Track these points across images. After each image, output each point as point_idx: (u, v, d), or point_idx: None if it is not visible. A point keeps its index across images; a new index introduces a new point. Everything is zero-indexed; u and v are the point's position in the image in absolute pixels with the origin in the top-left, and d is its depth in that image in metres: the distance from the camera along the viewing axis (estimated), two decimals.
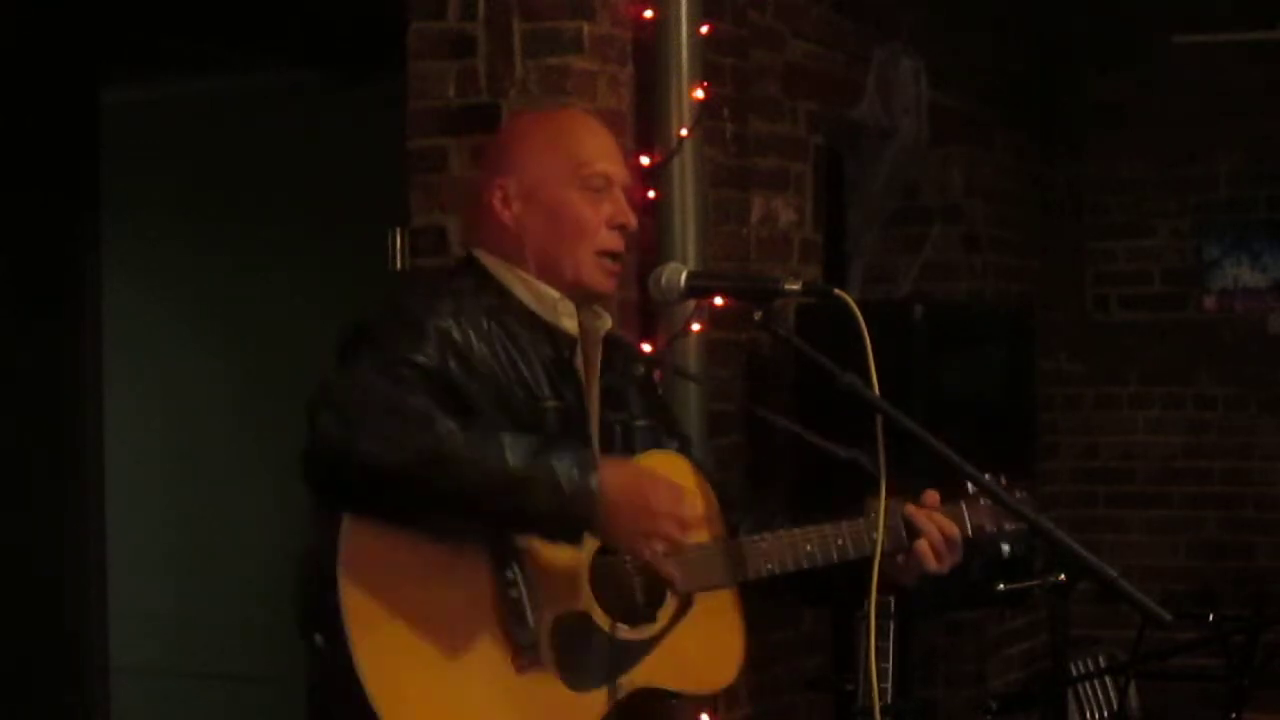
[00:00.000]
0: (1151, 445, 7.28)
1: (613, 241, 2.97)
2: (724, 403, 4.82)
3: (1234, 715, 5.08)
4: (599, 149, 2.99)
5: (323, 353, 2.93)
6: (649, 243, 4.44)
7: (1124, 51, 7.20)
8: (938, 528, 3.04)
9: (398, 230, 4.46)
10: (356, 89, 6.64)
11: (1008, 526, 3.17)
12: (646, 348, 4.45)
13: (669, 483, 2.78)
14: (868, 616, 2.95)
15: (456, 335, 2.79)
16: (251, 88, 7.09)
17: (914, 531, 3.04)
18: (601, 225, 2.96)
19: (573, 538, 2.74)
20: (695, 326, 4.51)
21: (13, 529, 5.82)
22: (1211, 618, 5.24)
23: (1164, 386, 7.28)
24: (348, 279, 6.33)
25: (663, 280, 3.05)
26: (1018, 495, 3.07)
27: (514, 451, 2.64)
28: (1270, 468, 7.12)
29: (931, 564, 3.03)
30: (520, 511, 2.67)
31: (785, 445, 4.86)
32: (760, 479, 4.90)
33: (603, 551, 2.83)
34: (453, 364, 2.76)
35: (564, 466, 2.65)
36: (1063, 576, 4.37)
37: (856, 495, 3.08)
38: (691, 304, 4.32)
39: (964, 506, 3.12)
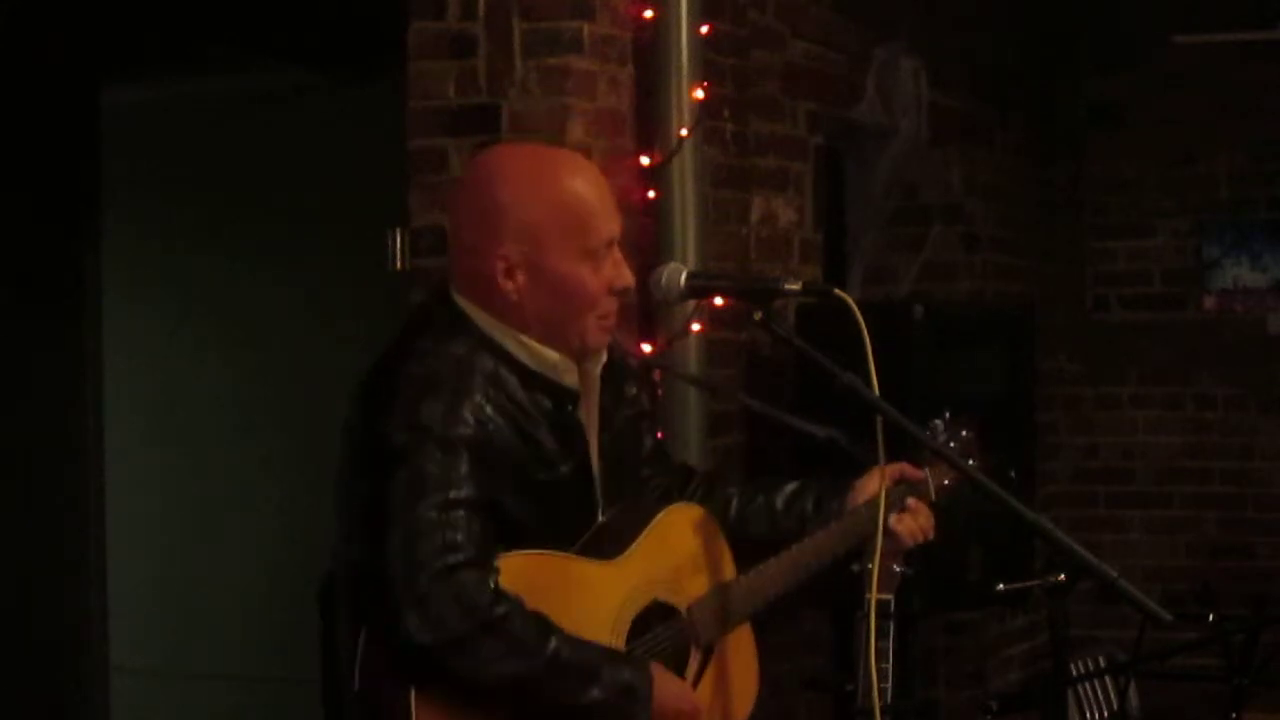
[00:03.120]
0: (1151, 445, 7.28)
1: (611, 306, 2.94)
2: (724, 403, 4.82)
3: (1234, 715, 5.08)
4: (601, 209, 2.91)
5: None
6: (649, 243, 4.44)
7: (1124, 51, 7.20)
8: (915, 525, 3.18)
9: (398, 230, 4.46)
10: (356, 89, 6.64)
11: (971, 463, 3.25)
12: (646, 348, 4.45)
13: (698, 709, 2.95)
14: (868, 616, 2.96)
15: (479, 438, 2.78)
16: (251, 88, 7.09)
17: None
18: (604, 292, 2.92)
19: None
20: (695, 326, 4.51)
21: (13, 529, 5.82)
22: (1211, 618, 5.22)
23: (1164, 386, 7.27)
24: (348, 279, 6.36)
25: (663, 280, 3.05)
26: (964, 435, 3.32)
27: (595, 689, 2.76)
28: (1270, 468, 7.12)
29: (907, 543, 3.17)
30: None
31: (785, 444, 4.85)
32: (760, 478, 4.90)
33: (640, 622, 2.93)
34: (482, 473, 2.77)
35: (628, 701, 2.80)
36: (1063, 576, 4.36)
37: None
38: (691, 304, 4.31)
39: (928, 473, 3.24)
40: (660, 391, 4.45)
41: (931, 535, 3.19)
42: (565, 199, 2.88)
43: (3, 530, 5.80)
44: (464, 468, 2.74)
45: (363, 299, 4.32)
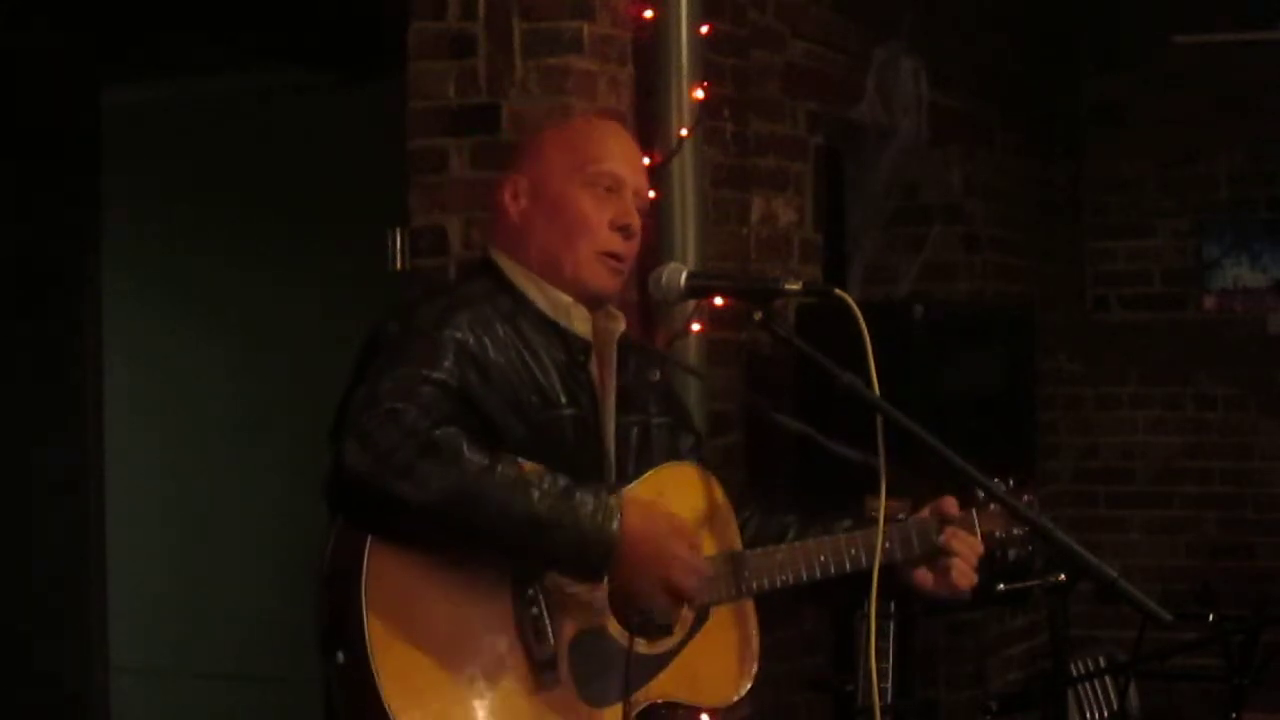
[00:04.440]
0: (1151, 445, 7.29)
1: (614, 243, 2.96)
2: (724, 402, 4.82)
3: (1234, 715, 5.09)
4: (614, 151, 2.99)
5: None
6: (649, 243, 4.43)
7: (1124, 51, 7.20)
8: (969, 549, 3.08)
9: (398, 230, 4.46)
10: (356, 89, 6.64)
11: (1015, 531, 3.19)
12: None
13: (685, 530, 2.80)
14: (868, 616, 2.96)
15: (473, 345, 2.79)
16: (251, 88, 7.09)
17: (948, 550, 3.07)
18: (604, 225, 2.94)
19: (591, 578, 2.76)
20: (695, 326, 4.51)
21: (12, 528, 5.82)
22: (1211, 618, 5.24)
23: (1164, 386, 7.28)
24: (348, 279, 6.35)
25: (663, 280, 3.05)
26: (1025, 499, 3.12)
27: (541, 494, 2.65)
28: (1270, 468, 7.12)
29: (966, 583, 3.07)
30: (542, 553, 2.70)
31: (785, 445, 4.85)
32: (761, 478, 4.90)
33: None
34: (470, 375, 2.76)
35: (587, 512, 2.68)
36: (1063, 576, 4.37)
37: (858, 494, 3.10)
38: (691, 304, 4.31)
39: (974, 514, 3.16)
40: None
41: (974, 560, 3.08)
42: (577, 133, 3.04)
43: (2, 530, 5.80)
44: (448, 361, 2.75)
45: (363, 299, 4.31)
